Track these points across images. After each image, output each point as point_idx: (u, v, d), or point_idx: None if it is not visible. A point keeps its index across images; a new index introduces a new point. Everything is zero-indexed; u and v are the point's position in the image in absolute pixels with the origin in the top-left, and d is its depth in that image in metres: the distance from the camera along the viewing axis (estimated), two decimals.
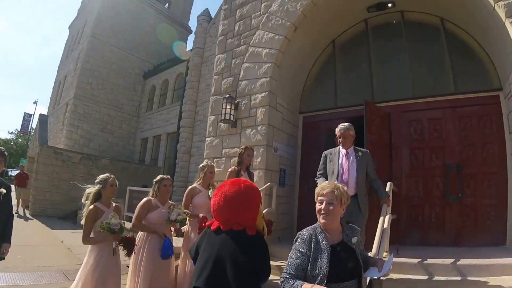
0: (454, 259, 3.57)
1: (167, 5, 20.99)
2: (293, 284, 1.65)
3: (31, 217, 10.88)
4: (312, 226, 1.93)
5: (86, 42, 16.86)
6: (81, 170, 12.57)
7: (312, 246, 1.80)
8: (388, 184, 4.27)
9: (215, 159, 6.03)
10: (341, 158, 3.66)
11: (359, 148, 3.76)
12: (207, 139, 6.44)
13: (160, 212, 3.47)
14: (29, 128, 33.23)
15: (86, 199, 3.23)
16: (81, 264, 3.14)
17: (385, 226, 3.41)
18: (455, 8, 5.11)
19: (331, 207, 1.85)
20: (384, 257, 3.37)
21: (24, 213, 11.31)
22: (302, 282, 1.66)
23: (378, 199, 3.78)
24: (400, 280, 3.38)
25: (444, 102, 5.16)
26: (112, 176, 3.33)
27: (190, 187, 3.96)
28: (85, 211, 3.13)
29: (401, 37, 5.88)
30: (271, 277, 1.98)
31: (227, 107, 5.87)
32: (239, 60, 6.29)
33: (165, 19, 20.05)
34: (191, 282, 1.67)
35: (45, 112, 21.74)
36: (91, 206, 3.11)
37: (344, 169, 3.60)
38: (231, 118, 5.88)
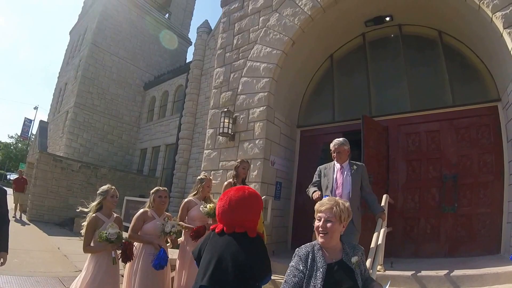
0: (447, 270, 3.57)
1: (167, 15, 21.26)
2: None
3: (28, 222, 10.86)
4: (311, 243, 1.89)
5: (87, 49, 16.92)
6: (80, 178, 12.62)
7: (308, 264, 1.76)
8: (384, 196, 4.27)
9: (212, 172, 6.08)
10: (336, 173, 3.65)
11: (354, 162, 3.75)
12: (205, 151, 6.48)
13: (155, 223, 3.50)
14: (29, 133, 33.35)
15: (89, 210, 3.33)
16: (77, 271, 3.18)
17: (379, 242, 3.42)
18: (453, 20, 5.18)
19: (328, 225, 1.79)
20: (378, 270, 3.44)
21: (21, 217, 11.32)
22: None
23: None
24: None
25: (441, 114, 5.21)
26: (113, 187, 3.42)
27: (185, 200, 3.96)
28: (86, 221, 3.21)
29: (399, 51, 5.96)
30: None
31: (225, 120, 5.95)
32: (238, 74, 6.38)
33: (165, 30, 20.19)
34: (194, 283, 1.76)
35: (45, 118, 21.85)
36: (92, 216, 3.21)
37: (338, 184, 3.59)
38: (229, 131, 5.95)
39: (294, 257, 1.85)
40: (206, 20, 14.40)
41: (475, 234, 4.61)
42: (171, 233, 3.46)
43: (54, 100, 20.91)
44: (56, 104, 20.11)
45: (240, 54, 6.50)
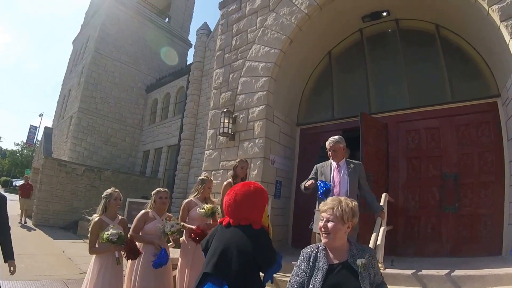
0: (448, 270, 3.53)
1: (167, 19, 21.44)
2: None
3: (34, 227, 10.96)
4: (317, 243, 1.90)
5: (90, 57, 17.20)
6: (84, 181, 12.74)
7: (311, 264, 1.76)
8: (383, 195, 4.22)
9: (213, 172, 6.11)
10: (333, 171, 3.59)
11: (351, 160, 3.69)
12: (206, 152, 6.52)
13: (156, 223, 3.54)
14: (35, 140, 33.72)
15: (95, 213, 3.45)
16: (81, 273, 3.24)
17: (379, 242, 3.38)
18: (450, 13, 5.14)
19: (329, 225, 1.76)
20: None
21: (26, 222, 11.44)
22: None
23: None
24: None
25: (441, 111, 5.16)
26: (117, 190, 3.53)
27: (186, 201, 3.97)
28: (91, 223, 3.32)
29: (397, 46, 5.94)
30: None
31: (225, 121, 5.98)
32: (237, 74, 6.41)
33: (166, 34, 20.42)
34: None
35: (50, 124, 22.10)
36: (96, 219, 3.32)
37: (336, 182, 3.53)
38: (229, 131, 5.99)
39: (300, 256, 1.86)
40: (205, 22, 14.45)
41: (476, 235, 4.55)
42: (172, 233, 3.49)
43: (58, 106, 21.20)
44: (60, 110, 20.40)
45: (239, 55, 6.54)
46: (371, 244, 3.28)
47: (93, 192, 12.22)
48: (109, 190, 3.50)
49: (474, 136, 4.85)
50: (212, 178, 4.47)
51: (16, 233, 8.67)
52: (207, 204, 3.79)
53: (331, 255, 1.78)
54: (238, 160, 4.43)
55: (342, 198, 1.86)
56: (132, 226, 3.53)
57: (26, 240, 8.47)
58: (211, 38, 13.29)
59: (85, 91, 16.67)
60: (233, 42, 6.73)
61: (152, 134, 17.22)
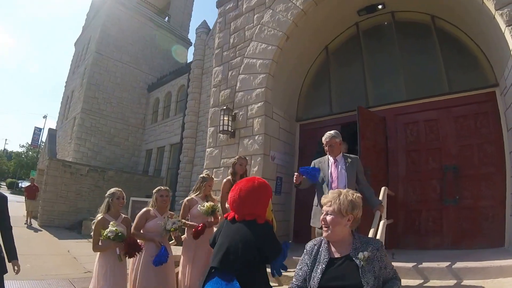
0: (450, 262, 3.52)
1: (166, 18, 21.50)
2: None
3: (40, 228, 11.11)
4: (321, 237, 1.89)
5: (91, 58, 17.32)
6: (88, 181, 12.93)
7: (313, 257, 1.78)
8: (383, 189, 4.19)
9: (214, 169, 6.14)
10: (330, 167, 3.57)
11: (348, 155, 3.67)
12: (207, 149, 6.56)
13: (157, 221, 3.60)
14: (39, 141, 34.05)
15: (99, 212, 3.55)
16: (86, 272, 3.31)
17: (378, 236, 3.37)
18: (445, 3, 5.08)
19: (328, 218, 1.76)
20: None
21: (31, 223, 11.58)
22: None
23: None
24: None
25: (438, 102, 5.11)
26: (120, 190, 3.63)
27: (187, 199, 3.99)
28: (94, 222, 3.41)
29: (393, 39, 5.91)
30: None
31: (225, 118, 6.01)
32: (235, 71, 6.44)
33: (166, 33, 20.51)
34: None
35: (54, 126, 22.28)
36: (99, 217, 3.41)
37: (333, 178, 3.50)
38: (229, 129, 6.01)
39: (304, 250, 1.91)
40: (205, 21, 14.48)
41: (478, 227, 4.48)
42: (174, 230, 3.54)
43: (62, 108, 21.36)
44: (64, 112, 20.55)
45: (237, 52, 6.55)
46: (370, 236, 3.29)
47: (97, 192, 12.37)
48: (112, 190, 3.60)
49: (473, 127, 4.79)
50: (213, 176, 4.50)
51: (23, 234, 8.82)
52: (208, 202, 3.84)
53: (333, 248, 1.78)
54: (237, 157, 4.46)
55: (344, 191, 1.84)
56: (133, 224, 3.60)
57: (32, 241, 8.59)
58: (211, 36, 13.31)
59: (88, 92, 16.81)
60: (231, 40, 6.75)
61: (154, 133, 17.32)
